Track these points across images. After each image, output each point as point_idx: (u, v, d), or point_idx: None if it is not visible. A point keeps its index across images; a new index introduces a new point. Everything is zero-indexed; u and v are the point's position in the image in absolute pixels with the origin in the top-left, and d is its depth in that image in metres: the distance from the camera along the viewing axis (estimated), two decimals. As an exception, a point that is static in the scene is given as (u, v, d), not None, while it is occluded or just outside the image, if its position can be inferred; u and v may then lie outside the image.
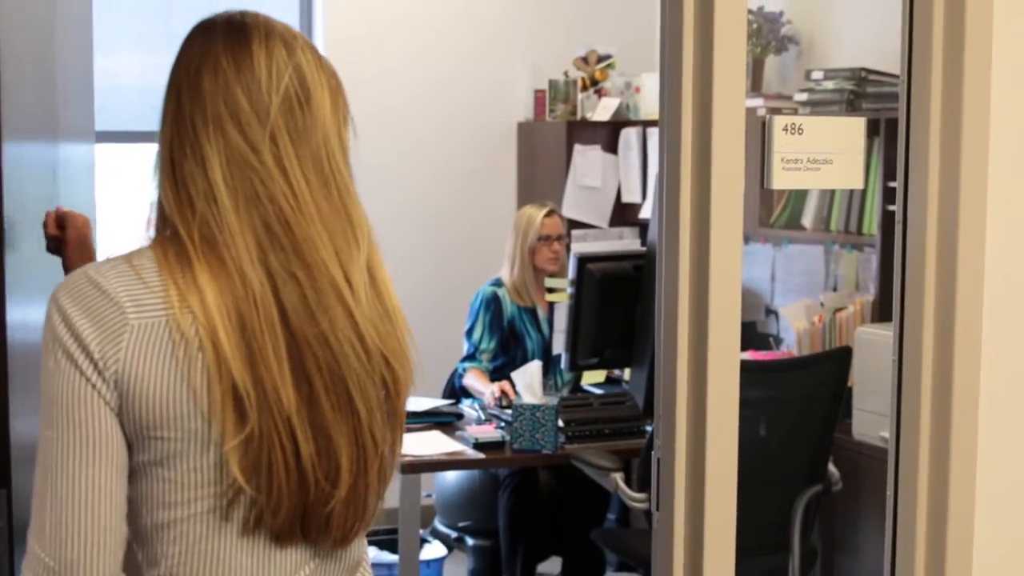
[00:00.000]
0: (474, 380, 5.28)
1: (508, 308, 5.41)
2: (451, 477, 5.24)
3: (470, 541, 5.36)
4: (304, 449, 1.67)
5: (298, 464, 1.67)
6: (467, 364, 5.36)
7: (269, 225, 1.68)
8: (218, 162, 1.70)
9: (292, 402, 1.66)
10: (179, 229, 1.70)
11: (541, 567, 5.33)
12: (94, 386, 1.64)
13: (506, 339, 5.39)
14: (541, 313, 5.44)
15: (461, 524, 5.34)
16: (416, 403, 4.26)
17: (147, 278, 1.67)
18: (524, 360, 5.29)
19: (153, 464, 1.68)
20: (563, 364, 4.81)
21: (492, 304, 5.39)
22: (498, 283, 5.46)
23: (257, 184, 1.69)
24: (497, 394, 5.04)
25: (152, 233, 1.76)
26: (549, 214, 5.47)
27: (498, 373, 5.31)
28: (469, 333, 5.39)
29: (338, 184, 1.76)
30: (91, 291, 1.66)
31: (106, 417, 1.65)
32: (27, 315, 2.04)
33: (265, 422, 1.65)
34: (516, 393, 4.83)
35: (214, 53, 1.77)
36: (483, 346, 5.36)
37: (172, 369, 1.64)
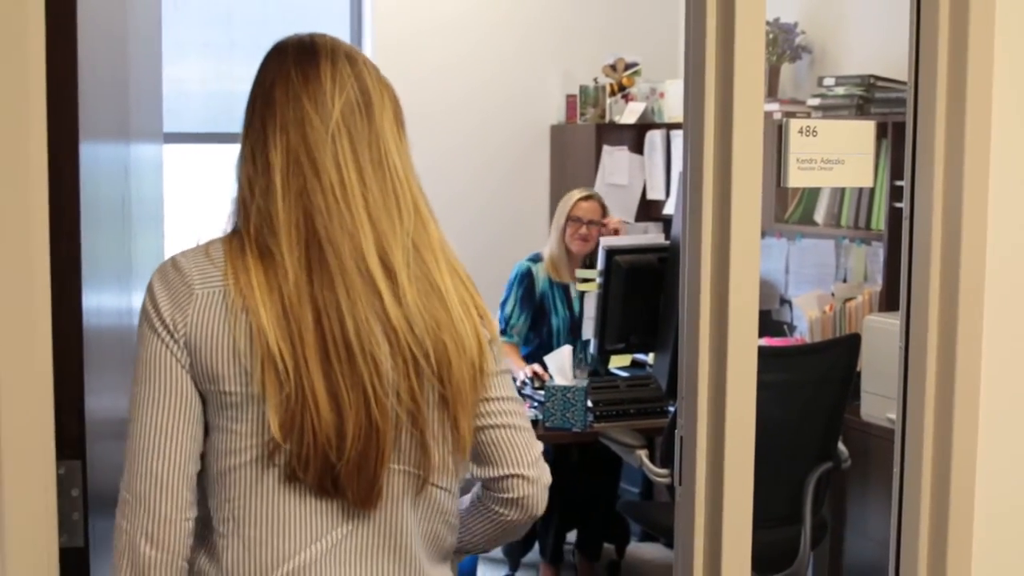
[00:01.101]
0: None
1: (541, 283, 5.34)
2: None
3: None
4: (324, 415, 1.76)
5: (320, 427, 1.76)
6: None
7: (311, 217, 1.79)
8: (280, 163, 1.81)
9: (317, 372, 1.76)
10: (242, 220, 1.83)
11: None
12: (167, 347, 1.79)
13: (536, 314, 5.33)
14: (574, 291, 5.36)
15: None
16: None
17: (215, 258, 1.82)
18: (549, 337, 5.26)
19: (218, 417, 1.80)
20: (592, 348, 4.81)
21: (525, 279, 5.34)
22: (536, 258, 5.41)
23: (310, 179, 1.80)
24: (529, 374, 5.02)
25: (230, 226, 1.87)
26: (586, 198, 5.41)
27: (529, 360, 5.28)
28: (503, 305, 5.34)
29: (391, 174, 1.85)
30: (171, 271, 1.83)
31: (177, 373, 1.79)
32: (101, 301, 2.06)
33: (297, 387, 1.75)
34: (548, 375, 4.83)
35: (285, 69, 1.90)
36: (513, 321, 5.30)
37: (225, 332, 1.78)
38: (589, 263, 5.32)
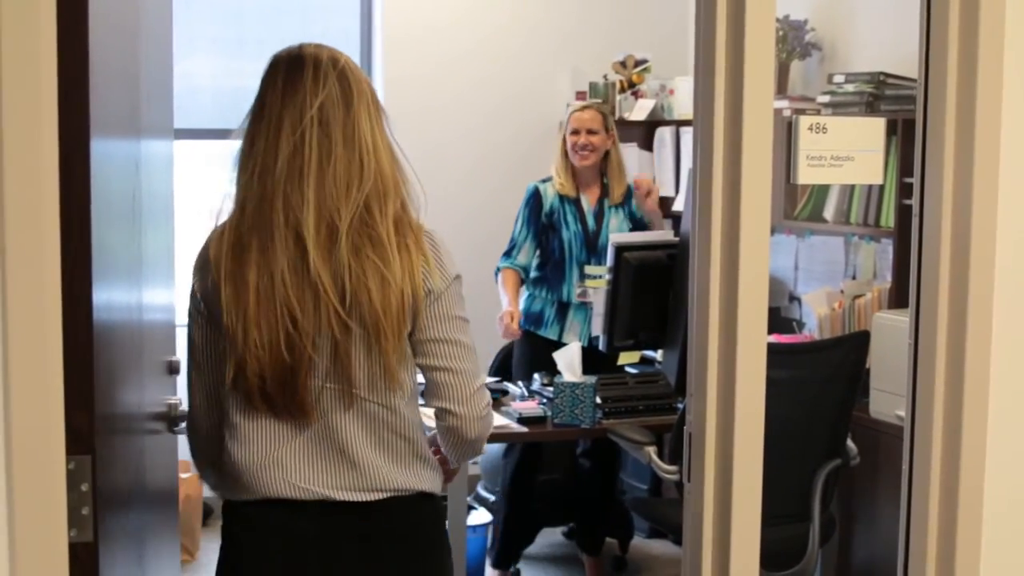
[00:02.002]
0: (501, 287, 5.21)
1: (549, 200, 5.23)
2: (495, 447, 5.26)
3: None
4: (255, 353, 2.30)
5: (251, 363, 2.31)
6: (503, 263, 5.24)
7: (264, 197, 2.30)
8: (256, 159, 2.32)
9: (252, 321, 2.30)
10: (236, 199, 2.37)
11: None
12: (196, 307, 2.42)
13: (544, 231, 5.22)
14: (587, 205, 5.25)
15: (497, 488, 5.37)
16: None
17: (211, 239, 2.38)
18: (560, 253, 5.19)
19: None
20: (601, 345, 4.80)
21: (532, 199, 5.24)
22: (548, 179, 5.31)
23: (269, 169, 2.31)
24: (506, 320, 5.05)
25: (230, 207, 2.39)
26: (585, 108, 5.29)
27: (541, 281, 5.25)
28: (515, 225, 5.27)
29: (360, 148, 2.33)
30: (204, 248, 2.40)
31: (204, 325, 2.41)
32: (111, 297, 2.06)
33: (236, 334, 2.31)
34: (521, 328, 5.00)
35: (274, 80, 2.37)
36: (519, 239, 5.22)
37: (212, 290, 2.35)
38: (603, 180, 5.25)
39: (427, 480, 2.46)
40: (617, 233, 5.12)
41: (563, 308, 5.24)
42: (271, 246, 2.29)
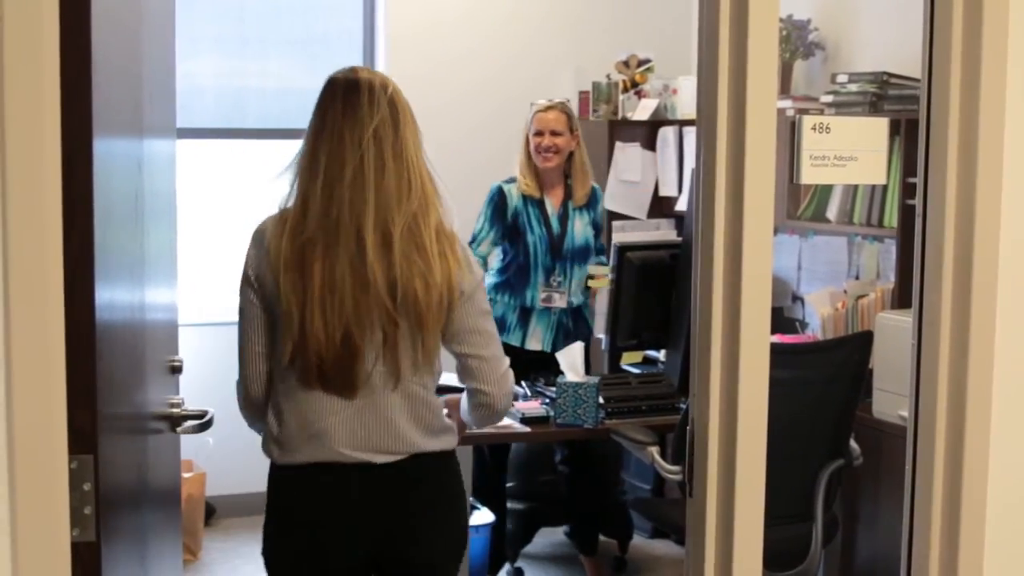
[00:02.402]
0: None
1: (513, 201, 5.12)
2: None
3: (507, 505, 5.39)
4: (317, 339, 2.70)
5: (312, 347, 2.70)
6: None
7: (331, 201, 2.69)
8: (321, 165, 2.72)
9: (316, 310, 2.69)
10: (294, 200, 2.77)
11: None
12: (250, 284, 2.79)
13: (509, 233, 5.14)
14: (551, 208, 5.15)
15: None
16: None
17: (277, 224, 2.76)
18: (525, 256, 5.11)
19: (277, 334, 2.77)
20: (603, 345, 4.80)
21: (496, 198, 5.15)
22: (512, 179, 5.20)
23: (336, 177, 2.70)
24: None
25: (283, 204, 2.80)
26: (548, 108, 5.15)
27: (503, 286, 5.16)
28: (477, 222, 5.18)
29: (407, 166, 2.73)
30: (258, 233, 2.80)
31: (256, 301, 2.79)
32: (114, 296, 2.06)
33: (299, 322, 2.69)
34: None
35: (334, 102, 2.77)
36: (483, 235, 5.12)
37: (269, 276, 2.73)
38: (567, 182, 5.15)
39: (446, 441, 2.90)
40: (583, 236, 5.10)
41: (525, 314, 5.16)
42: (336, 245, 2.69)
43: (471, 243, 5.12)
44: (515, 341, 5.14)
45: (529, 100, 5.41)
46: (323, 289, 2.67)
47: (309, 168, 2.73)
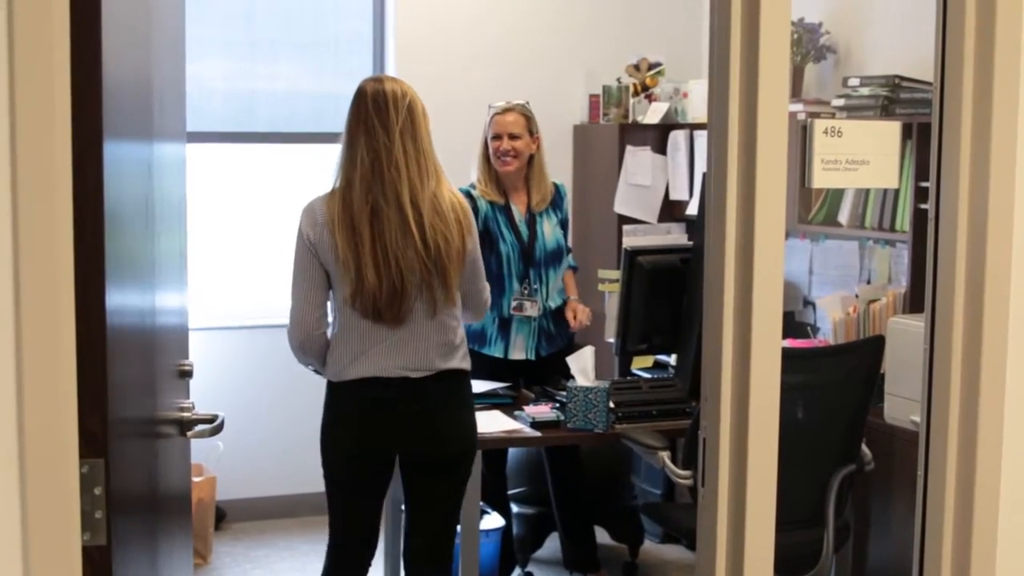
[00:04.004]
0: None
1: (482, 207, 4.96)
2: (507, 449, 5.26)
3: (515, 509, 5.38)
4: (371, 285, 3.62)
5: (369, 291, 3.62)
6: None
7: (375, 181, 3.62)
8: (360, 156, 3.64)
9: (369, 264, 3.61)
10: (340, 182, 3.69)
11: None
12: (308, 248, 3.68)
13: (481, 240, 4.96)
14: (518, 215, 5.03)
15: (511, 491, 5.36)
16: (476, 386, 4.26)
17: (326, 201, 3.68)
18: (498, 267, 4.97)
19: (333, 283, 3.72)
20: (614, 350, 4.79)
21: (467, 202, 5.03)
22: (473, 186, 5.04)
23: (377, 162, 3.62)
24: None
25: (332, 186, 3.71)
26: (506, 111, 5.00)
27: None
28: None
29: (424, 155, 3.67)
30: (309, 208, 3.71)
31: (313, 261, 3.68)
32: (124, 300, 2.07)
33: (357, 272, 3.61)
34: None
35: (366, 109, 3.67)
36: None
37: (327, 238, 3.64)
38: (527, 187, 5.05)
39: (463, 361, 3.84)
40: (553, 238, 5.04)
41: (505, 324, 5.04)
42: (381, 213, 3.60)
43: None
44: (498, 352, 5.04)
45: (539, 103, 5.38)
46: (374, 246, 3.59)
47: (350, 160, 3.64)
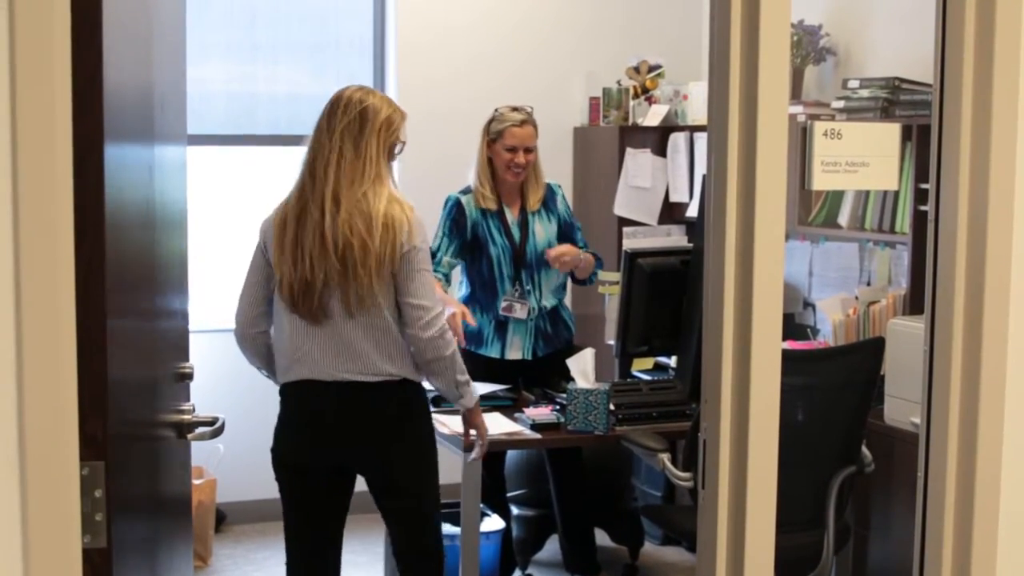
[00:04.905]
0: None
1: (472, 213, 4.94)
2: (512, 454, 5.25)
3: (515, 511, 5.38)
4: (288, 280, 3.64)
5: (287, 285, 3.64)
6: None
7: (307, 181, 3.67)
8: (306, 154, 3.71)
9: (287, 260, 3.63)
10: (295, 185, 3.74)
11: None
12: (259, 245, 3.77)
13: (469, 246, 4.97)
14: (511, 217, 5.00)
15: (511, 493, 5.36)
16: (476, 388, 4.26)
17: (277, 207, 3.76)
18: (490, 270, 4.97)
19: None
20: (614, 352, 4.79)
21: (454, 210, 4.95)
22: (467, 190, 5.01)
23: (309, 164, 3.68)
24: (459, 318, 4.70)
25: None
26: (521, 123, 4.94)
27: (470, 299, 5.03)
28: (435, 237, 4.94)
29: (365, 160, 3.64)
30: (268, 216, 3.75)
31: (260, 258, 3.76)
32: (125, 303, 2.06)
33: (279, 267, 3.66)
34: (473, 320, 4.81)
35: (325, 108, 3.72)
36: (441, 253, 4.89)
37: (269, 234, 3.72)
38: (523, 190, 5.00)
39: (406, 369, 3.70)
40: (544, 239, 5.01)
41: (501, 325, 5.02)
42: (306, 212, 3.62)
43: (434, 258, 4.74)
44: (494, 353, 5.03)
45: (539, 106, 5.36)
46: (295, 240, 3.61)
47: (303, 160, 3.71)
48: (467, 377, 3.83)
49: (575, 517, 5.22)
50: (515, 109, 4.99)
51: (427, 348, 3.66)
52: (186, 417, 2.77)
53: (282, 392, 3.77)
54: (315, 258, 3.59)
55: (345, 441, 3.70)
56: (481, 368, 4.83)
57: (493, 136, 4.99)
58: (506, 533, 5.19)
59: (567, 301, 5.28)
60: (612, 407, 4.52)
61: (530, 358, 5.03)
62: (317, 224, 3.59)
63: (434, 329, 3.66)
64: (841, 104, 5.23)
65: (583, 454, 5.19)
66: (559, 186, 5.22)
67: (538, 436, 4.49)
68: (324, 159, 3.63)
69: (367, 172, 3.61)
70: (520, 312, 4.97)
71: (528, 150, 4.94)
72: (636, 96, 6.54)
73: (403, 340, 3.67)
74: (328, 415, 3.68)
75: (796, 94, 5.64)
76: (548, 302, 5.06)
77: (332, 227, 3.58)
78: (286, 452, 3.78)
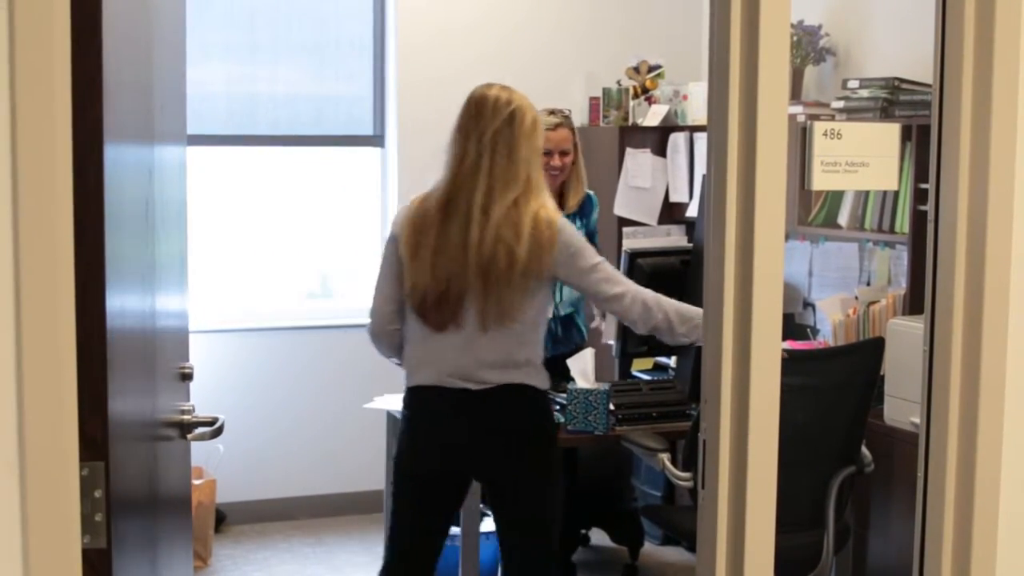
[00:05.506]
0: None
1: None
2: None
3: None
4: (425, 286, 3.58)
5: (420, 291, 3.60)
6: None
7: (451, 184, 3.59)
8: (450, 156, 3.63)
9: (426, 265, 3.56)
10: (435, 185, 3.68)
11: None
12: (392, 239, 3.71)
13: None
14: None
15: None
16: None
17: (422, 197, 3.69)
18: None
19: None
20: (614, 352, 4.78)
21: None
22: None
23: (456, 167, 3.60)
24: None
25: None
26: (557, 126, 4.90)
27: None
28: None
29: (514, 160, 3.54)
30: (406, 204, 3.74)
31: (393, 254, 3.69)
32: (125, 303, 2.06)
33: (413, 272, 3.59)
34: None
35: (468, 109, 3.64)
36: None
37: (402, 234, 3.66)
38: (561, 190, 4.95)
39: (528, 375, 3.66)
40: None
41: None
42: (450, 216, 3.55)
43: None
44: None
45: (540, 106, 5.34)
46: (435, 248, 3.54)
47: (445, 163, 3.62)
48: (687, 328, 3.73)
49: (566, 518, 5.21)
50: (551, 112, 4.97)
51: (641, 326, 3.73)
52: (186, 417, 2.77)
53: (408, 392, 3.73)
54: (455, 271, 3.53)
55: (473, 453, 3.68)
56: None
57: None
58: None
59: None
60: (612, 407, 4.52)
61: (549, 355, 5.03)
62: (461, 234, 3.52)
63: (634, 313, 3.70)
64: (841, 104, 5.24)
65: (582, 455, 5.19)
66: (595, 197, 5.15)
67: (538, 436, 4.48)
68: (474, 164, 3.54)
69: (518, 177, 3.53)
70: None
71: (564, 153, 4.91)
72: (636, 96, 6.54)
73: (532, 344, 3.67)
74: (456, 426, 3.65)
75: (796, 94, 5.64)
76: (564, 310, 5.06)
77: (479, 239, 3.50)
78: (414, 464, 3.72)
